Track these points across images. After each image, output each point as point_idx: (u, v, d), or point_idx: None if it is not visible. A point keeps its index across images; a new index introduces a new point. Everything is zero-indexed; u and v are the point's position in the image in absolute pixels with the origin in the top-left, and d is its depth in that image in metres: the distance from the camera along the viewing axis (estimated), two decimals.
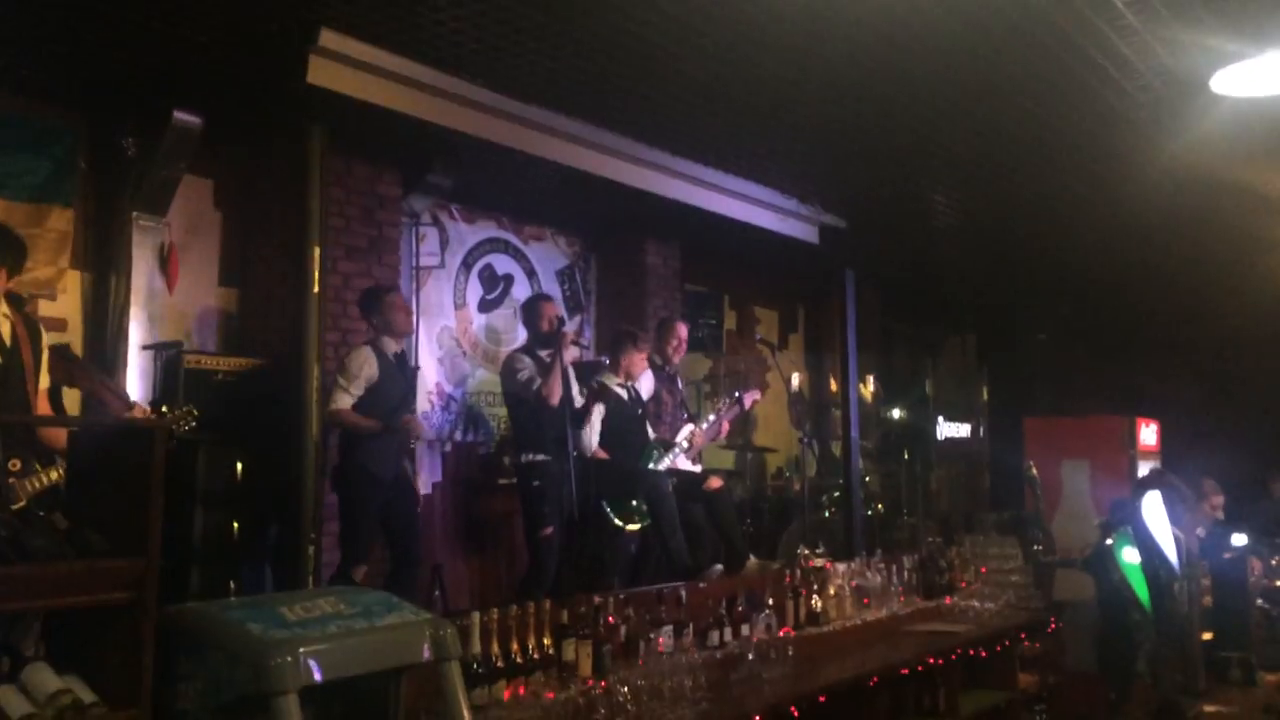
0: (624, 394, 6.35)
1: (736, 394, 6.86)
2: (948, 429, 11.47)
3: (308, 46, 4.77)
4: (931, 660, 5.20)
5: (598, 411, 6.14)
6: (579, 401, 6.06)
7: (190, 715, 2.68)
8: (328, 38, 4.79)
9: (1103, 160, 6.64)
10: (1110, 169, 6.81)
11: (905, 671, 5.06)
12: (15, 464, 3.87)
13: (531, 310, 6.38)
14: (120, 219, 5.81)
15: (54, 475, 3.97)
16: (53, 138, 5.63)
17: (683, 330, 6.94)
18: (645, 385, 6.60)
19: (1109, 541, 5.40)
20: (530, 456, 5.97)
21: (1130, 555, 5.41)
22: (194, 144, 5.71)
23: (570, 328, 7.78)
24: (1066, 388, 12.32)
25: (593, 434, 6.12)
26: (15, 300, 4.11)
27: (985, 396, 12.27)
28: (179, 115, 5.55)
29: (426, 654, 2.88)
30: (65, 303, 5.71)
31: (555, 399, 5.81)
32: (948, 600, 6.37)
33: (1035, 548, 7.20)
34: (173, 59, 5.09)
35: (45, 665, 2.59)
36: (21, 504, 3.82)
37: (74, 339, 5.70)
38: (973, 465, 11.88)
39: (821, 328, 10.68)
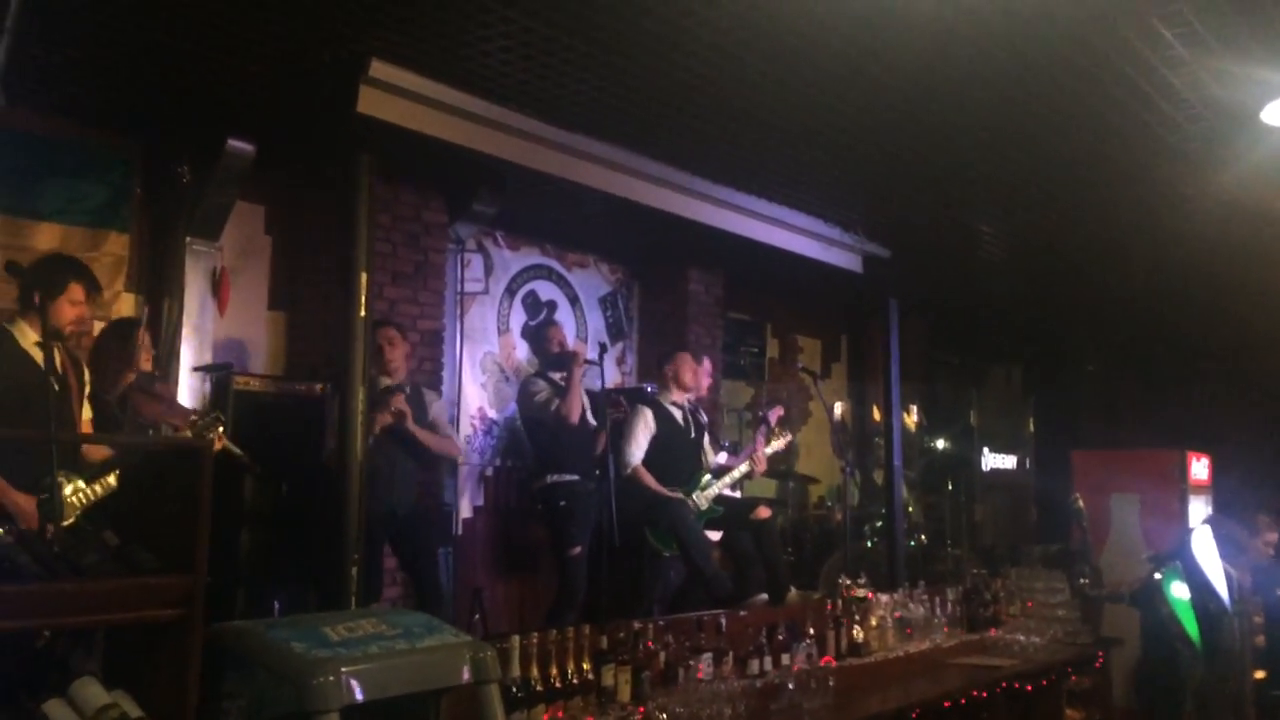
0: (677, 414, 6.37)
1: (761, 414, 6.86)
2: (993, 460, 11.35)
3: (358, 76, 4.87)
4: (975, 694, 5.13)
5: (644, 428, 6.18)
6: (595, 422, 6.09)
7: None
8: (378, 68, 4.89)
9: (1152, 191, 6.57)
10: (1159, 199, 6.74)
11: (948, 705, 5.00)
12: (62, 480, 3.96)
13: (539, 336, 6.60)
14: (174, 244, 5.93)
15: (99, 489, 4.07)
16: (110, 164, 5.77)
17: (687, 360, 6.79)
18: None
19: (1158, 576, 5.31)
20: (556, 477, 6.02)
21: (1180, 590, 5.32)
22: (246, 171, 5.82)
23: (612, 354, 7.83)
24: (1115, 420, 12.14)
25: (635, 450, 6.14)
26: (58, 337, 4.23)
27: (1031, 428, 12.12)
28: (232, 143, 5.67)
29: (466, 676, 2.90)
30: None
31: (574, 417, 5.91)
32: (992, 633, 6.29)
33: (1082, 581, 7.09)
34: (227, 88, 5.21)
35: (93, 679, 2.64)
36: (72, 521, 3.91)
37: None
38: (1018, 497, 11.72)
39: (865, 357, 10.62)
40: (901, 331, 8.13)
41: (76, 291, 4.23)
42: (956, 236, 7.83)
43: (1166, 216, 7.04)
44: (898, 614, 5.72)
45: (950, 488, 10.02)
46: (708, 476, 6.29)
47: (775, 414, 6.68)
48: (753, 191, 6.85)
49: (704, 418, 6.83)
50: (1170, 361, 12.20)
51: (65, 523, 3.83)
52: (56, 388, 4.13)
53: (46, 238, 5.46)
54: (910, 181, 6.58)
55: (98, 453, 4.30)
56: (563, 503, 5.97)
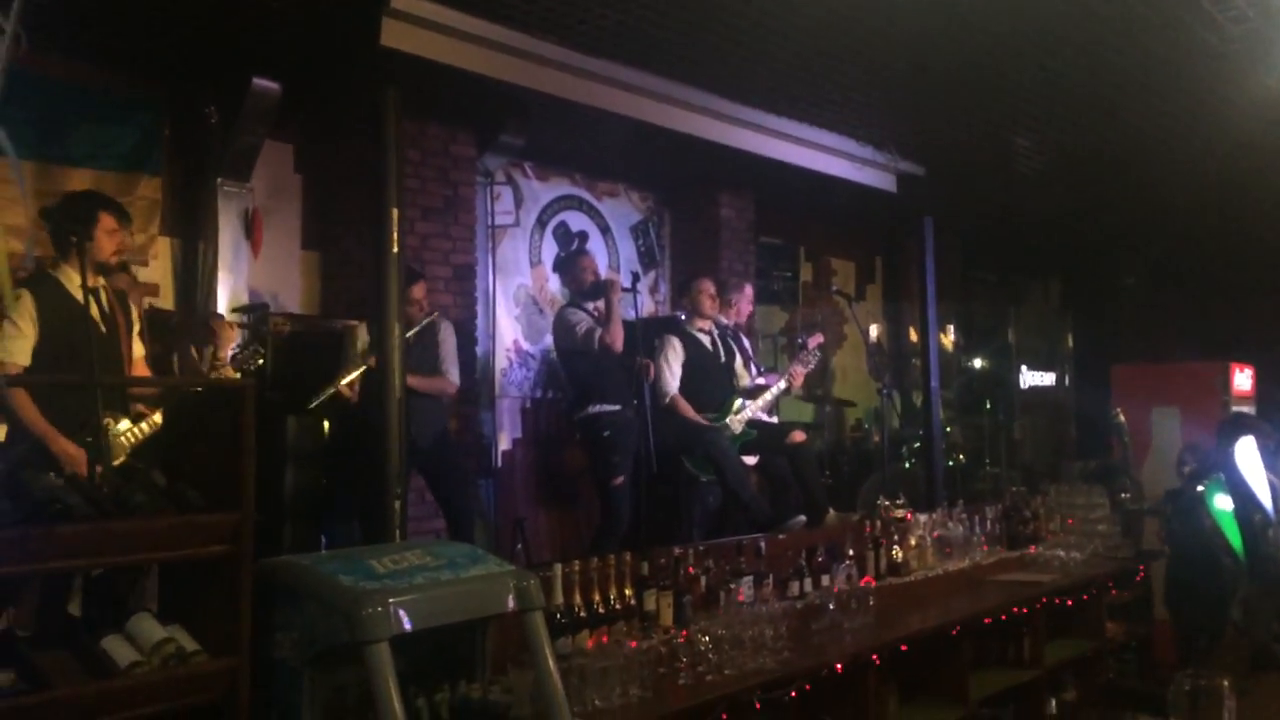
0: (705, 340, 6.37)
1: (800, 340, 6.83)
2: (1031, 377, 11.27)
3: (380, 9, 4.82)
4: (1015, 610, 5.15)
5: (675, 356, 6.18)
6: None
7: (287, 663, 2.79)
8: None
9: (1193, 96, 6.41)
10: (1201, 105, 6.57)
11: (989, 621, 5.02)
12: (109, 421, 4.03)
13: (570, 266, 6.46)
14: (205, 186, 5.95)
15: (146, 428, 4.14)
16: (139, 108, 5.78)
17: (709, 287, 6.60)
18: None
19: (1200, 488, 5.28)
20: (598, 407, 6.03)
21: (1223, 502, 5.29)
22: (273, 110, 5.80)
23: (644, 283, 7.80)
24: (1156, 333, 11.98)
25: (671, 380, 6.15)
26: (105, 270, 4.27)
27: (1070, 344, 12.00)
28: (258, 82, 5.64)
29: (511, 604, 2.93)
30: (156, 268, 5.90)
31: (619, 345, 5.88)
32: (1032, 550, 6.29)
33: (1123, 495, 7.07)
34: (249, 27, 5.17)
35: (150, 615, 2.70)
36: (122, 459, 3.98)
37: (165, 303, 5.88)
38: (1057, 414, 11.67)
39: (900, 277, 10.53)
40: (937, 250, 8.01)
41: (109, 221, 4.25)
42: (992, 150, 7.68)
43: (1207, 122, 6.87)
44: (937, 533, 5.72)
45: (988, 406, 9.98)
46: (740, 400, 6.30)
47: (815, 340, 6.66)
48: (782, 113, 6.74)
49: (744, 342, 6.80)
50: (1210, 272, 11.99)
51: (115, 462, 3.92)
52: (103, 329, 4.17)
53: (79, 183, 5.47)
54: (943, 95, 6.45)
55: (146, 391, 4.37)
56: (606, 433, 5.98)
